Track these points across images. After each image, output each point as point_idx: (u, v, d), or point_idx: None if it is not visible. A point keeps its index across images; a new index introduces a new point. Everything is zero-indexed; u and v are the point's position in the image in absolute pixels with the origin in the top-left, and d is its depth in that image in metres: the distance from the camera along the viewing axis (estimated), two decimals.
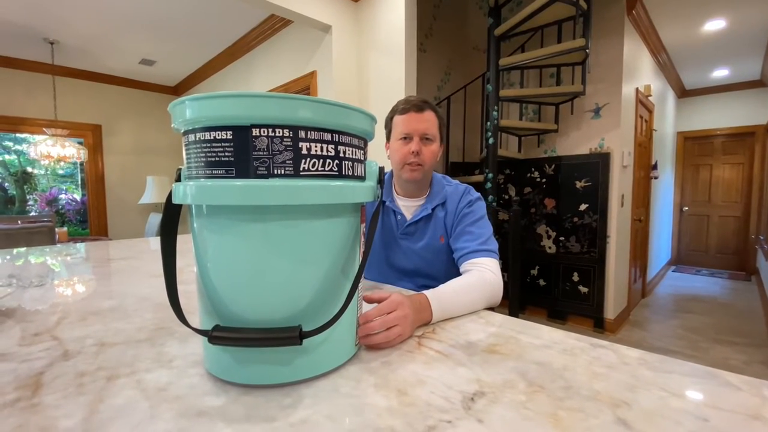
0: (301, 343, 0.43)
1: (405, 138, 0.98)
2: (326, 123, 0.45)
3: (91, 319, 0.71)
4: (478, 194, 1.06)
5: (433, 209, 1.03)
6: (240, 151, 0.42)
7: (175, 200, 0.47)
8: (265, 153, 0.42)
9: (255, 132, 0.42)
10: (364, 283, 1.00)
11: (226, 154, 0.43)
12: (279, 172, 0.43)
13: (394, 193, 1.09)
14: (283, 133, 0.43)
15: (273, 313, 0.46)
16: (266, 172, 0.43)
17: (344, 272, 0.51)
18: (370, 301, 0.65)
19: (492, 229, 1.00)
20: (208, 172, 0.44)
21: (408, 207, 1.07)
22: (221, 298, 0.46)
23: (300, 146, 0.44)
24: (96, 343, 0.59)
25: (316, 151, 0.45)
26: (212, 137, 0.43)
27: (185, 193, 0.45)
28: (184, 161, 0.48)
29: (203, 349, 0.50)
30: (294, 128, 0.43)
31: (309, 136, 0.44)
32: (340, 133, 0.47)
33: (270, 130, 0.42)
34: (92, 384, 0.46)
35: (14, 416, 0.39)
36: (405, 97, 1.02)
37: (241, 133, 0.42)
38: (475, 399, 0.43)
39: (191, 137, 0.45)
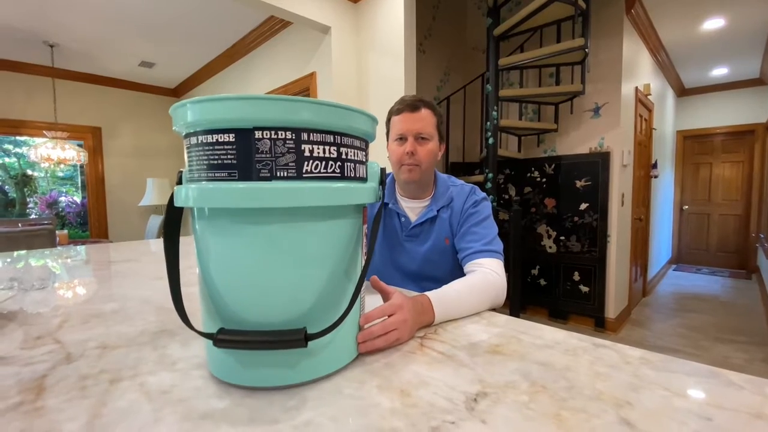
0: (306, 346, 0.43)
1: (400, 138, 0.98)
2: (328, 125, 0.45)
3: (93, 322, 0.71)
4: (484, 194, 1.04)
5: (438, 211, 1.01)
6: (242, 154, 0.42)
7: (177, 203, 0.47)
8: (267, 155, 0.42)
9: (258, 134, 0.42)
10: (367, 284, 1.01)
11: (229, 156, 0.43)
12: (282, 175, 0.43)
13: (398, 194, 1.07)
14: (285, 135, 0.43)
15: (277, 315, 0.46)
16: (269, 175, 0.43)
17: (347, 273, 0.51)
18: (376, 285, 0.66)
19: (497, 229, 0.99)
20: (210, 174, 0.44)
21: (412, 209, 1.05)
22: (224, 300, 0.46)
23: (302, 148, 0.44)
24: (98, 346, 0.59)
25: (318, 153, 0.45)
26: (214, 140, 0.43)
27: (187, 195, 0.45)
28: (186, 164, 0.48)
29: (206, 352, 0.50)
30: (296, 130, 0.43)
31: (311, 138, 0.44)
32: (342, 134, 0.47)
33: (273, 132, 0.42)
34: (95, 387, 0.46)
35: (18, 420, 0.39)
36: (401, 97, 1.01)
37: (244, 136, 0.42)
38: (478, 400, 0.43)
39: (193, 140, 0.45)
